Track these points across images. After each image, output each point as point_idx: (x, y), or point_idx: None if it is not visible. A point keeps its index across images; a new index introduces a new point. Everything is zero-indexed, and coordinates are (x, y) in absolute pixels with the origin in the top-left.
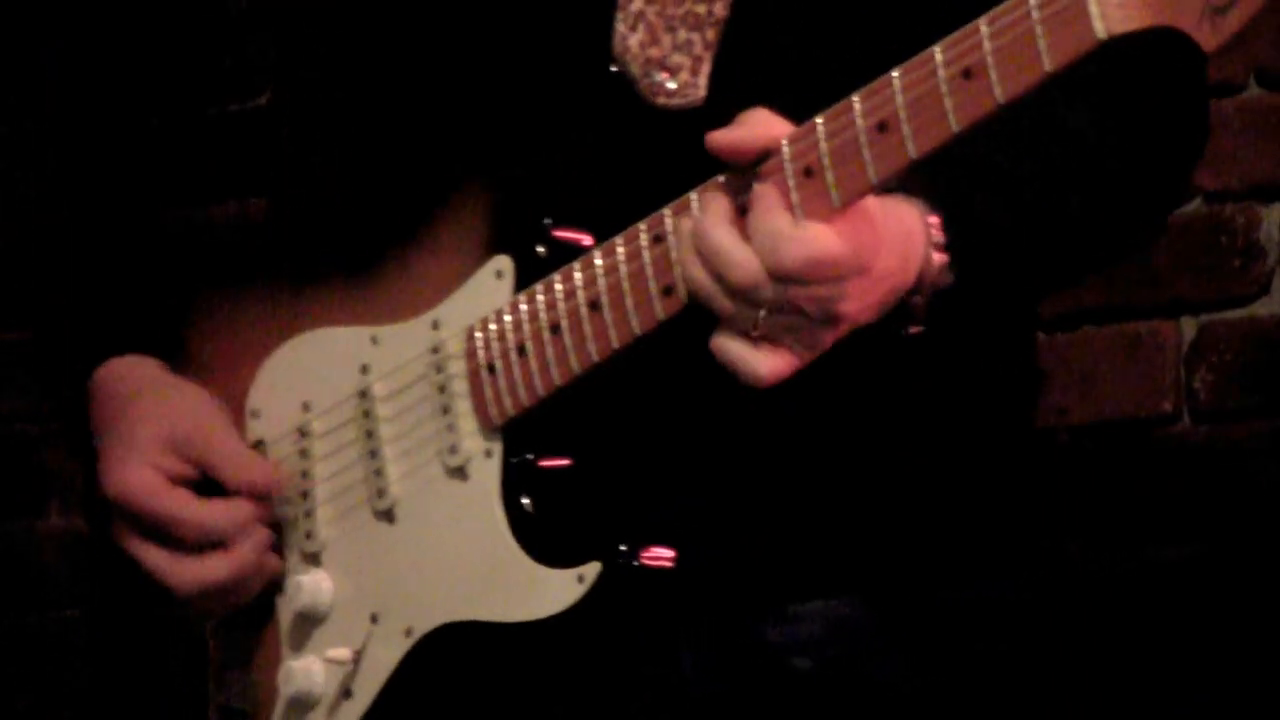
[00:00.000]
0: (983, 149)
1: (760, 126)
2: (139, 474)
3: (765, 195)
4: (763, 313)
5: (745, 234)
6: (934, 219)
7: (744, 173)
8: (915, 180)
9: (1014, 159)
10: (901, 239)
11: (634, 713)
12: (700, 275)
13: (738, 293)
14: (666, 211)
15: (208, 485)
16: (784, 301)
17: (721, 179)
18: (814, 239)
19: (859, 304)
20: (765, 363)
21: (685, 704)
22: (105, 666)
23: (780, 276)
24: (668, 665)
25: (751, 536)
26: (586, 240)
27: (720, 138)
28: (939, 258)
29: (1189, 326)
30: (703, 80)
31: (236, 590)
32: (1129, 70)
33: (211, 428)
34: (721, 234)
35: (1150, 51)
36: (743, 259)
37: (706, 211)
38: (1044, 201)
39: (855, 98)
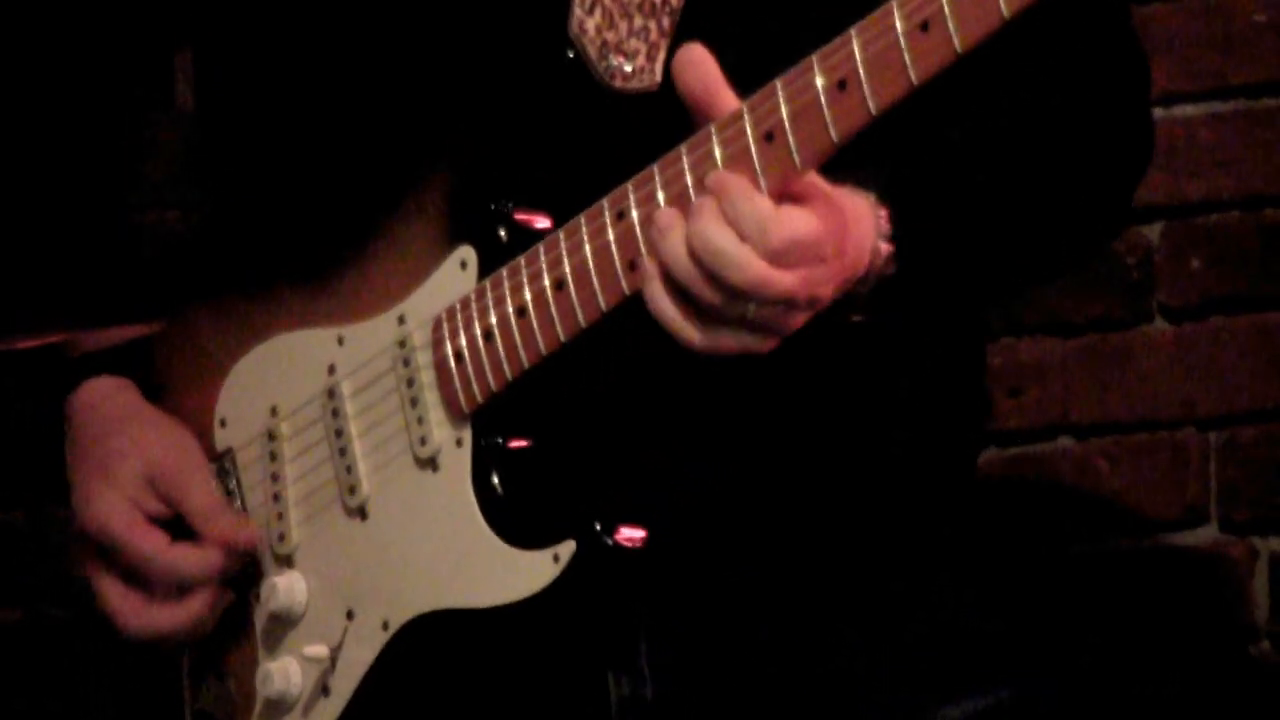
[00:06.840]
0: (933, 150)
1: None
2: (117, 509)
3: (739, 183)
4: (752, 305)
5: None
6: (884, 211)
7: (700, 150)
8: (868, 174)
9: (963, 162)
10: (856, 225)
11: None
12: (691, 273)
13: (734, 291)
14: (629, 187)
15: (180, 524)
16: (780, 297)
17: (681, 157)
18: (799, 219)
19: (830, 288)
20: (744, 342)
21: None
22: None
23: (772, 259)
24: (626, 658)
25: (717, 523)
26: (546, 223)
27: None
28: (885, 247)
29: None
30: (659, 65)
31: (183, 640)
32: (1076, 83)
33: (189, 473)
34: (723, 237)
35: (1097, 67)
36: (745, 259)
37: (701, 213)
38: (991, 204)
39: (814, 58)
